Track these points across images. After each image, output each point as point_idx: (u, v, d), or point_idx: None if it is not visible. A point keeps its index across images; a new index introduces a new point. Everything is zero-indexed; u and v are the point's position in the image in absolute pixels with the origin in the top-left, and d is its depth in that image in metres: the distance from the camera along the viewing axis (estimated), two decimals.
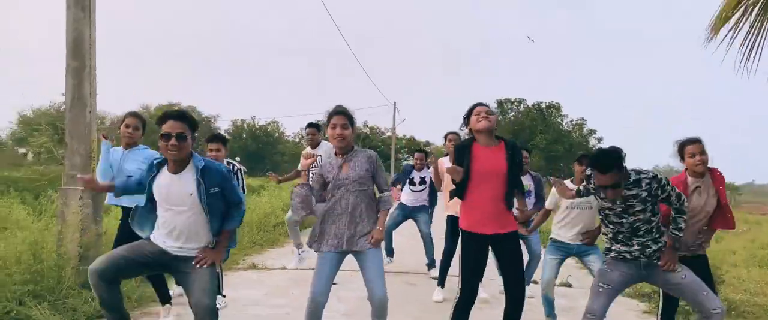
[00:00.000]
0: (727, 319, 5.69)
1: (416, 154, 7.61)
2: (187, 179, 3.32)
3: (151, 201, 3.43)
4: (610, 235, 3.74)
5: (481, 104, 3.96)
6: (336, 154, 3.87)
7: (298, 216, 3.79)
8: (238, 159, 5.54)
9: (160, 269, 3.53)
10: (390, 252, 7.83)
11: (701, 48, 6.77)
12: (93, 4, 5.63)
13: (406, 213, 7.49)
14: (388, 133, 52.32)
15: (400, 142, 55.58)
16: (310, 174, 6.73)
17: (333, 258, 3.77)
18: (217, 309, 3.40)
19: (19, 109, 53.52)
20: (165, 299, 4.84)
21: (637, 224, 3.60)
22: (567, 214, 4.95)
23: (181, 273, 3.39)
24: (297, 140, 65.40)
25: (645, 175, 3.57)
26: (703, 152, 3.99)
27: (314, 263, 3.87)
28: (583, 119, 56.07)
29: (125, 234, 4.09)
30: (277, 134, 66.19)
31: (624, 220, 3.62)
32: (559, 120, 56.18)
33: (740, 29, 6.60)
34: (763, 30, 6.57)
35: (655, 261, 3.63)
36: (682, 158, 4.09)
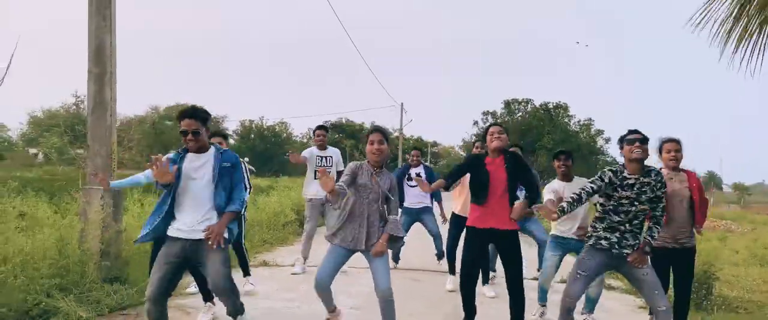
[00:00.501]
0: (720, 314, 5.92)
1: (413, 151, 7.96)
2: (209, 156, 3.95)
3: (169, 195, 3.87)
4: (602, 226, 4.14)
5: (495, 124, 4.66)
6: (368, 163, 4.35)
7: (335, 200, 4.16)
8: (246, 159, 5.78)
9: (186, 263, 3.94)
10: (396, 259, 8.10)
11: (711, 50, 6.92)
12: (113, 13, 5.92)
13: (413, 217, 7.68)
14: (396, 134, 52.52)
15: (408, 143, 55.74)
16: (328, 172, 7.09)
17: (342, 252, 4.30)
18: (235, 286, 3.99)
19: (29, 110, 54.02)
20: (208, 297, 5.10)
21: (639, 213, 4.03)
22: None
23: (200, 260, 3.88)
24: (305, 140, 65.66)
25: (654, 168, 4.12)
26: (678, 150, 4.59)
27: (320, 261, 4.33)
28: (590, 119, 55.79)
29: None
30: (284, 134, 66.51)
31: (633, 208, 4.02)
32: (566, 120, 56.00)
33: (742, 31, 6.80)
34: (764, 32, 6.78)
35: (625, 255, 4.06)
36: (661, 154, 4.67)
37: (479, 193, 4.59)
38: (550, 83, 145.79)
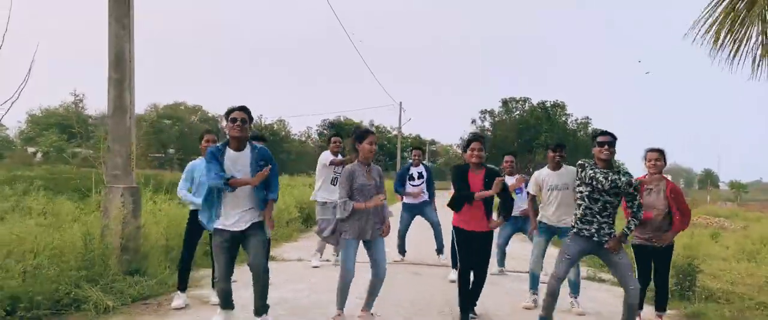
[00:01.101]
0: (700, 304, 6.30)
1: (414, 151, 8.44)
2: (246, 154, 4.55)
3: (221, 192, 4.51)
4: (579, 215, 4.73)
5: (476, 139, 5.26)
6: (359, 162, 4.97)
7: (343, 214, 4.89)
8: None
9: (237, 244, 4.67)
10: (402, 252, 8.61)
11: (708, 50, 7.26)
12: (132, 22, 6.28)
13: (414, 212, 8.26)
14: (394, 132, 52.91)
15: (406, 141, 56.14)
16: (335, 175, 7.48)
17: (354, 243, 4.96)
18: (268, 273, 4.75)
19: (27, 109, 54.05)
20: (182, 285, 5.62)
21: (607, 205, 4.63)
22: (548, 196, 5.93)
23: (246, 243, 4.63)
24: (303, 139, 65.98)
25: (627, 172, 4.71)
26: (658, 159, 5.20)
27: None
28: (588, 118, 56.14)
29: (194, 229, 5.40)
30: (283, 133, 66.79)
31: (602, 197, 4.61)
32: (563, 119, 56.35)
33: (726, 34, 7.19)
34: (747, 34, 7.18)
35: (604, 241, 4.63)
36: (646, 161, 5.31)
37: (458, 203, 5.23)
38: (548, 82, 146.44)
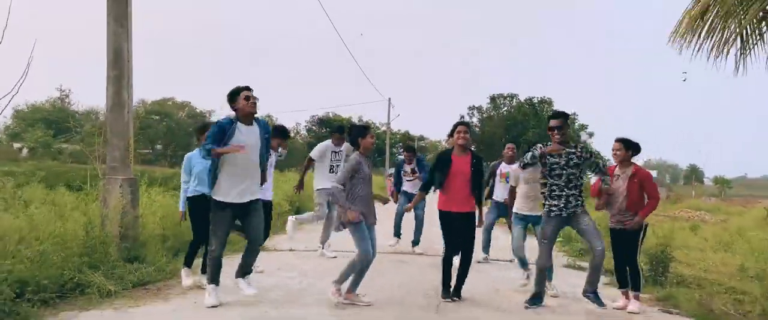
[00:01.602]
0: (671, 288, 6.65)
1: (406, 154, 9.33)
2: (256, 128, 5.15)
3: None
4: (548, 192, 5.37)
5: (462, 123, 5.72)
6: (361, 154, 5.42)
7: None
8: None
9: (236, 218, 5.20)
10: (398, 234, 9.11)
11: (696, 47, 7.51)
12: (130, 21, 6.52)
13: (409, 198, 8.83)
14: (383, 128, 53.20)
15: (395, 137, 56.42)
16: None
17: (365, 227, 5.37)
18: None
19: (13, 104, 53.64)
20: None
21: (571, 177, 5.33)
22: (522, 189, 6.32)
23: (245, 217, 5.20)
24: (292, 135, 65.91)
25: (577, 144, 5.50)
26: (619, 149, 5.70)
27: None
28: (575, 114, 56.57)
29: (199, 215, 5.64)
30: (271, 128, 66.45)
31: (564, 172, 5.32)
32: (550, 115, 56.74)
33: (706, 32, 7.49)
34: (727, 32, 7.49)
35: (571, 214, 5.38)
36: None
37: (441, 182, 5.70)
38: (542, 80, 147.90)
